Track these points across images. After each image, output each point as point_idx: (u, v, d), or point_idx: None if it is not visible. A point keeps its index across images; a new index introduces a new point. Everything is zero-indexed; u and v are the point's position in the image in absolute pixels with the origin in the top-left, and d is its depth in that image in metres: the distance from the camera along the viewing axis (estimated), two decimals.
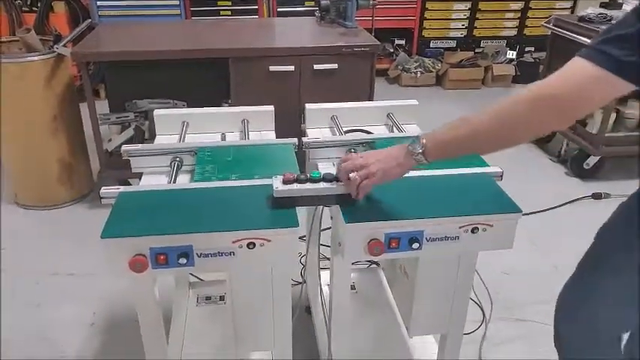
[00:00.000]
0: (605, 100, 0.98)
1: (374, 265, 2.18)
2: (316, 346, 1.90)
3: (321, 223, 1.46)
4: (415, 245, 1.22)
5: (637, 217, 1.18)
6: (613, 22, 3.18)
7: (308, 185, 1.23)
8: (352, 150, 1.58)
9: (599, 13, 3.32)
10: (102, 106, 2.90)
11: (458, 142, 1.10)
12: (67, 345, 2.03)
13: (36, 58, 2.69)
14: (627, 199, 1.24)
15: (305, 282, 2.04)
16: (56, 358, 1.98)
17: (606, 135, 3.18)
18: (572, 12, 5.07)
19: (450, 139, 1.11)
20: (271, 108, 1.82)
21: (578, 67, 0.96)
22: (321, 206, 1.36)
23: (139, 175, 1.56)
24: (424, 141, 1.12)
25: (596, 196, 3.07)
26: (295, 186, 1.23)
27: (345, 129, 1.78)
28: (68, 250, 2.58)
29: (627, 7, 3.52)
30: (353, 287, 2.03)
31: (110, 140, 2.93)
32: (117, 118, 2.87)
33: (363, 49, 2.78)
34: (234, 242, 1.17)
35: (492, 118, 1.04)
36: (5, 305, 2.20)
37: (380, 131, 1.83)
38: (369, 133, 1.79)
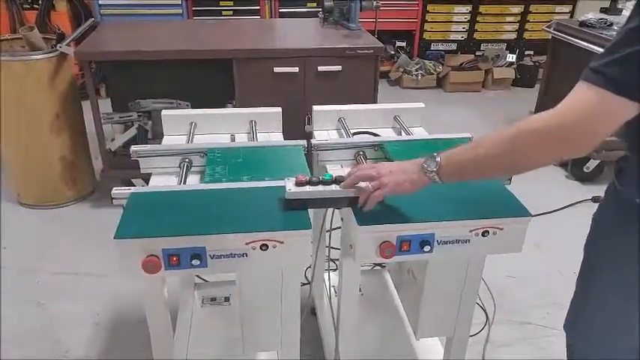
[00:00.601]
0: (616, 123, 0.94)
1: (378, 267, 2.19)
2: (320, 347, 1.91)
3: (331, 223, 1.46)
4: (426, 248, 1.23)
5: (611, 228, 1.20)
6: (614, 27, 3.25)
7: (320, 187, 1.24)
8: (361, 152, 1.59)
9: (600, 19, 3.34)
10: (103, 105, 2.90)
11: (470, 164, 1.10)
12: (70, 344, 2.03)
13: (39, 56, 2.69)
14: (597, 210, 1.26)
15: (310, 283, 2.04)
16: (60, 357, 1.98)
17: (606, 139, 3.19)
18: (571, 16, 5.10)
19: (463, 160, 1.10)
20: (279, 109, 1.83)
21: (583, 94, 0.93)
22: (332, 208, 1.37)
23: (143, 175, 1.57)
24: (439, 159, 1.12)
25: (596, 200, 3.07)
26: (307, 188, 1.23)
27: (352, 131, 1.79)
28: (71, 250, 2.57)
29: (626, 13, 3.55)
30: (358, 289, 2.04)
31: (113, 140, 2.93)
32: (120, 117, 2.86)
33: (367, 51, 2.79)
34: (247, 244, 1.17)
35: (502, 145, 1.03)
36: (8, 304, 2.20)
37: (387, 134, 1.84)
38: (376, 135, 1.80)
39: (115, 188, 1.32)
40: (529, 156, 1.01)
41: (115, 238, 1.14)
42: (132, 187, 1.34)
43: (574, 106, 0.94)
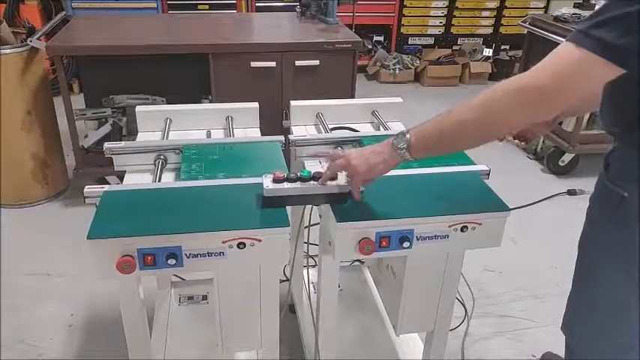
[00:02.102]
0: (592, 87, 0.95)
1: (357, 263, 2.19)
2: (300, 344, 1.90)
3: (310, 220, 1.45)
4: (406, 244, 1.23)
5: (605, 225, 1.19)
6: None
7: (298, 184, 1.22)
8: (340, 148, 1.58)
9: (574, 13, 3.39)
10: (76, 101, 2.83)
11: (441, 135, 1.06)
12: (44, 348, 1.97)
13: (9, 51, 2.61)
14: (589, 204, 1.25)
15: (289, 280, 2.03)
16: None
17: (581, 133, 3.25)
18: (546, 11, 5.16)
19: (434, 132, 1.08)
20: (256, 105, 1.81)
21: (565, 54, 0.93)
22: (310, 205, 1.35)
23: (117, 173, 1.53)
24: (408, 135, 1.10)
25: (572, 193, 3.14)
26: (285, 185, 1.22)
27: (330, 126, 1.77)
28: (43, 250, 2.51)
29: None
30: (338, 285, 2.03)
31: (86, 136, 2.86)
32: (93, 113, 2.80)
33: (344, 45, 2.77)
34: (224, 242, 1.15)
35: (477, 108, 1.01)
36: None
37: (365, 129, 1.83)
38: (354, 130, 1.78)
39: (87, 186, 1.29)
40: (504, 117, 0.99)
41: (87, 237, 1.11)
42: (105, 186, 1.30)
43: (554, 62, 0.94)
